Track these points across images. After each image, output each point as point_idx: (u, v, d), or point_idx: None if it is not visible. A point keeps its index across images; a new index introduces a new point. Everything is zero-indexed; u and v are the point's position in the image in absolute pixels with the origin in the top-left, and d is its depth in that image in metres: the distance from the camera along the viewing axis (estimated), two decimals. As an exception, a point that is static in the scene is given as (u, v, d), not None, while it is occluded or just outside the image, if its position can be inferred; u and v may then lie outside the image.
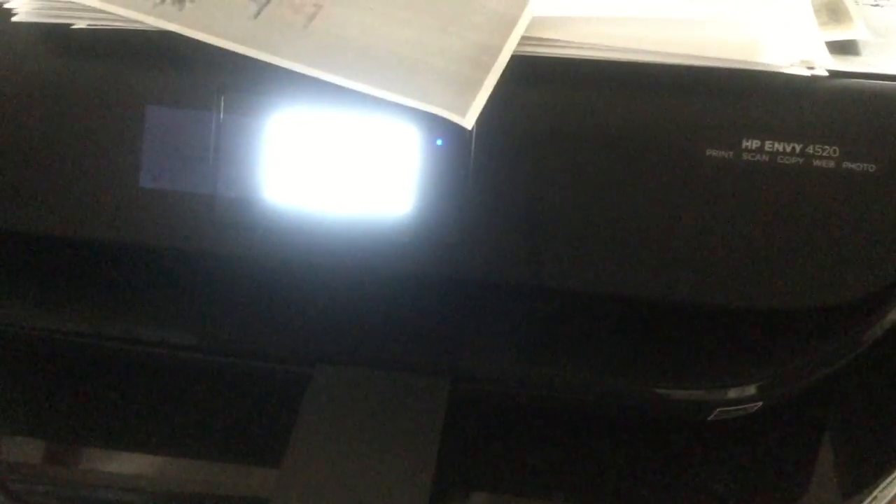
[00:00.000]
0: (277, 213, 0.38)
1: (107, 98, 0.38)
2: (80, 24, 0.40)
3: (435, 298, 0.41)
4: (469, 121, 0.36)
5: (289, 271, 0.40)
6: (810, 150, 0.36)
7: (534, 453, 0.43)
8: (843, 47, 0.42)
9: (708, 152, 0.37)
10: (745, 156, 0.37)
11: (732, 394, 0.39)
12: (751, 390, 0.39)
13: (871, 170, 0.36)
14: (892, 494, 0.41)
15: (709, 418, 0.41)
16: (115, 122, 0.38)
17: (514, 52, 0.38)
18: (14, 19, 0.40)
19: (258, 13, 0.39)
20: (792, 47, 0.39)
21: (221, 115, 0.38)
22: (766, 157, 0.37)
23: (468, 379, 0.41)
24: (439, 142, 0.37)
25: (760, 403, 0.41)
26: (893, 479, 0.41)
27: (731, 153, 0.37)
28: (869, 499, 0.41)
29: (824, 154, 0.36)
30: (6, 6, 0.41)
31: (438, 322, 0.41)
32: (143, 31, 0.39)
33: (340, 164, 0.38)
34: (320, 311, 0.41)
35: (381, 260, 0.38)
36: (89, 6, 0.39)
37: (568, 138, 0.37)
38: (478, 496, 0.42)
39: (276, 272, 0.41)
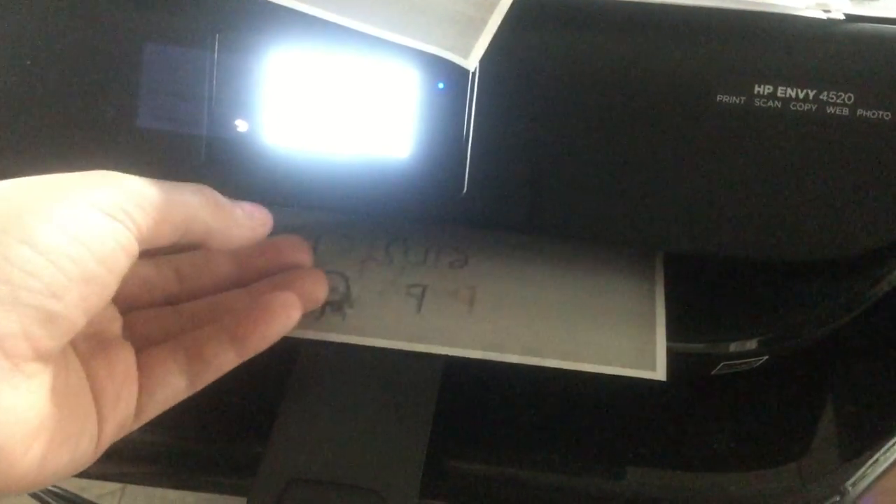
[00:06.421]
0: (273, 154, 0.37)
1: (101, 36, 0.37)
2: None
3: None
4: (471, 62, 0.34)
5: (284, 215, 0.39)
6: (824, 96, 0.35)
7: (531, 416, 0.42)
8: (860, -9, 0.41)
9: (719, 98, 0.36)
10: (757, 102, 0.36)
11: (737, 347, 0.39)
12: (756, 344, 0.39)
13: (886, 118, 0.35)
14: (894, 457, 0.41)
15: (713, 372, 0.41)
16: (110, 60, 0.37)
17: (519, -9, 0.37)
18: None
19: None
20: (808, -11, 0.38)
21: (217, 55, 0.37)
22: (778, 104, 0.36)
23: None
24: (441, 85, 0.36)
25: (766, 358, 0.40)
26: (896, 441, 0.41)
27: (743, 99, 0.36)
28: (870, 462, 0.40)
29: (839, 101, 0.35)
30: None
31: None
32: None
33: (338, 107, 0.36)
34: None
35: (380, 205, 0.37)
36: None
37: (574, 82, 0.36)
38: (473, 462, 0.41)
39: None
